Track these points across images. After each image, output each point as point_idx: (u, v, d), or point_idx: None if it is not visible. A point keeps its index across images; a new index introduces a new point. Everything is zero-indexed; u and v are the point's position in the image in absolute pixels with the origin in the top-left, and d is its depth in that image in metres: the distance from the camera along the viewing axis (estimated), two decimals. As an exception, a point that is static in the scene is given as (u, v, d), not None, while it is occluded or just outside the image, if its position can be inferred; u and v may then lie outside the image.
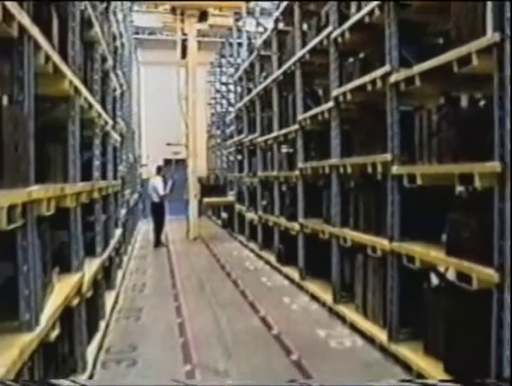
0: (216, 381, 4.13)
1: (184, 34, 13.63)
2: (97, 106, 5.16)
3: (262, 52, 10.46)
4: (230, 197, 15.74)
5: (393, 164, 4.52)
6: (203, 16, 13.79)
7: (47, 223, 3.20)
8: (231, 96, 17.43)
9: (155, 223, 12.30)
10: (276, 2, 9.47)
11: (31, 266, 2.61)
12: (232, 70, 16.22)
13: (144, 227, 15.59)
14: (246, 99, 12.09)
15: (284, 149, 8.90)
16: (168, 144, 17.14)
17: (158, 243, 12.12)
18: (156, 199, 12.25)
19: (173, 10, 13.64)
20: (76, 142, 4.03)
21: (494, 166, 3.19)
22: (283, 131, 8.42)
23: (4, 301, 2.62)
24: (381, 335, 4.71)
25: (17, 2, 2.40)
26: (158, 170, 12.94)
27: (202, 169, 18.85)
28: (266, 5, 10.99)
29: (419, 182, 4.09)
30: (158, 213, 12.30)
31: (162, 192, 12.17)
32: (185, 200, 13.58)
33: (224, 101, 19.02)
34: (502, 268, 3.17)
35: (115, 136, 7.61)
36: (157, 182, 12.35)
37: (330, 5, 6.08)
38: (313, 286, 6.85)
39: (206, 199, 16.27)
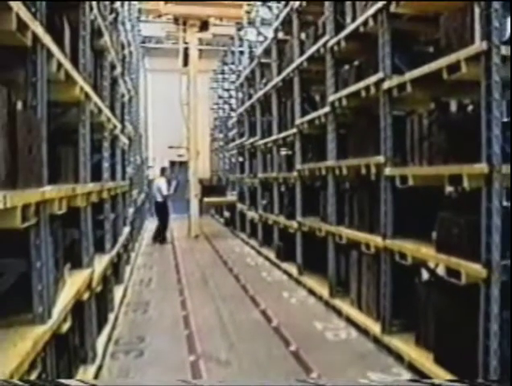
0: (221, 379, 4.10)
1: (186, 42, 13.60)
2: (107, 111, 5.16)
3: (263, 60, 10.45)
4: (229, 197, 15.74)
5: (386, 166, 4.52)
6: (204, 26, 13.76)
7: (59, 222, 3.20)
8: (233, 101, 17.42)
9: (160, 222, 12.31)
10: (276, 13, 9.47)
11: (44, 262, 2.61)
12: (234, 77, 16.22)
13: (151, 226, 15.49)
14: (247, 104, 12.09)
15: (283, 152, 8.90)
16: (170, 147, 17.08)
17: (162, 240, 12.11)
18: (160, 199, 12.25)
19: (176, 20, 13.62)
20: (86, 145, 4.03)
21: (482, 167, 3.19)
22: (282, 134, 8.41)
23: (18, 296, 2.62)
24: (375, 328, 4.71)
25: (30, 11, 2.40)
26: (162, 171, 12.94)
27: (205, 170, 18.84)
28: (266, 15, 10.98)
29: (410, 182, 4.09)
30: (161, 212, 12.30)
31: (165, 192, 12.15)
32: (186, 200, 13.59)
33: (226, 106, 19.04)
34: (489, 263, 3.17)
35: (123, 139, 7.60)
36: (161, 182, 12.34)
37: (326, 15, 6.08)
38: (310, 281, 6.84)
39: (206, 199, 16.26)
